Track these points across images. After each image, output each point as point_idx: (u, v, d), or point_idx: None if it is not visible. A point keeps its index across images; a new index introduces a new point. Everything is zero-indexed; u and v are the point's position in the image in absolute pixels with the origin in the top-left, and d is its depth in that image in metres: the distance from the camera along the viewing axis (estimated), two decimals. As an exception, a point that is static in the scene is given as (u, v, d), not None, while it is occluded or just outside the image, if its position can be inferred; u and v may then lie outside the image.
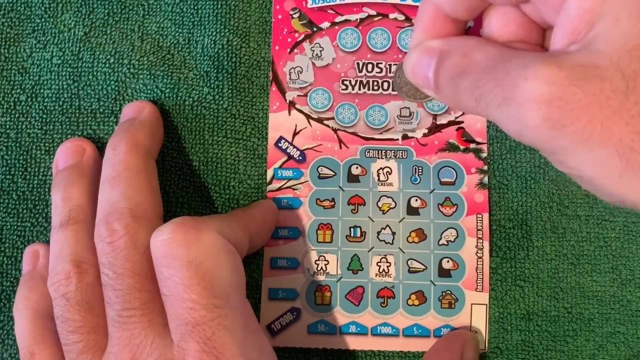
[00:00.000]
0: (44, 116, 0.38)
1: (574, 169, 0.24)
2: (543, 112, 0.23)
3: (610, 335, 0.37)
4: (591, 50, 0.23)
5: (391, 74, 0.38)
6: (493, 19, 0.29)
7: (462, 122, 0.38)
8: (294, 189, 0.37)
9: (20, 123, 0.38)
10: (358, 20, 0.38)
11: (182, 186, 0.38)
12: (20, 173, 0.38)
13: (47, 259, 0.36)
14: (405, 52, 0.38)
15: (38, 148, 0.38)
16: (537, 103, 0.23)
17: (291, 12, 0.38)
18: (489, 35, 0.30)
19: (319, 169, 0.37)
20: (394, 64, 0.38)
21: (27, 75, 0.39)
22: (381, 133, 0.38)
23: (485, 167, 0.37)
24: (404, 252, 0.37)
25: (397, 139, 0.38)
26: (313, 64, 0.38)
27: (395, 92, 0.38)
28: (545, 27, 0.29)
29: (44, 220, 0.38)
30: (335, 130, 0.38)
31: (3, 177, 0.38)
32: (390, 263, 0.37)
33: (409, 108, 0.38)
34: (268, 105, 0.38)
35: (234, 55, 0.38)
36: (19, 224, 0.38)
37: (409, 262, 0.37)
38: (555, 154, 0.24)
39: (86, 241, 0.33)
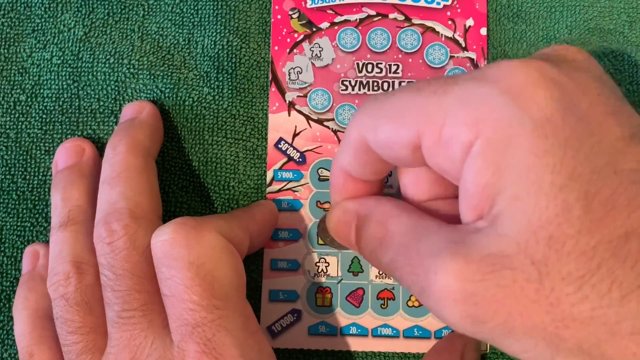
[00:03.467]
0: (44, 116, 0.38)
1: (509, 354, 0.23)
2: (459, 310, 0.22)
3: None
4: (498, 232, 0.22)
5: (391, 75, 0.38)
6: (406, 179, 0.29)
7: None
8: (295, 191, 0.37)
9: (20, 123, 0.38)
10: (357, 21, 0.38)
11: (182, 186, 0.38)
12: (20, 173, 0.38)
13: (46, 259, 0.35)
14: (406, 53, 0.38)
15: (38, 148, 0.38)
16: (453, 301, 0.22)
17: (290, 13, 0.38)
18: (404, 194, 0.30)
19: (319, 171, 0.37)
20: (394, 64, 0.38)
21: (27, 75, 0.39)
22: (381, 133, 0.38)
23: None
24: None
25: (397, 140, 0.38)
26: (312, 64, 0.38)
27: None
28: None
29: (44, 220, 0.38)
30: (335, 132, 0.38)
31: (3, 177, 0.38)
32: (390, 264, 0.37)
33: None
34: (268, 106, 0.38)
35: (233, 55, 0.38)
36: (18, 224, 0.38)
37: (410, 263, 0.37)
38: (486, 342, 0.24)
39: (86, 242, 0.33)
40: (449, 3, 0.38)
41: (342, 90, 0.38)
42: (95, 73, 0.39)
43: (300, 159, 0.38)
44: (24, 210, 0.38)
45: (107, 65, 0.39)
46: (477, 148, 0.23)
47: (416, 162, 0.26)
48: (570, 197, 0.22)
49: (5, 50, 0.39)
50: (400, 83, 0.38)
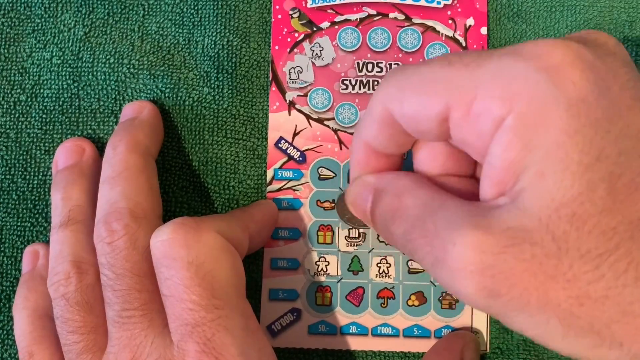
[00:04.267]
0: (44, 116, 0.38)
1: (517, 330, 0.24)
2: (476, 282, 0.22)
3: (610, 335, 0.36)
4: (519, 208, 0.23)
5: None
6: (422, 153, 0.29)
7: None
8: (295, 190, 0.37)
9: (20, 123, 0.38)
10: (358, 20, 0.38)
11: (182, 186, 0.38)
12: (20, 173, 0.38)
13: (47, 259, 0.36)
14: (406, 52, 0.38)
15: (38, 148, 0.38)
16: (469, 272, 0.22)
17: (291, 12, 0.38)
18: (418, 169, 0.30)
19: (319, 170, 0.37)
20: (395, 64, 0.38)
21: (27, 75, 0.39)
22: (381, 133, 0.38)
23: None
24: (404, 253, 0.37)
25: (398, 139, 0.38)
26: (313, 63, 0.38)
27: None
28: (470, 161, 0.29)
29: (44, 220, 0.38)
30: (335, 131, 0.38)
31: (3, 177, 0.38)
32: (390, 264, 0.37)
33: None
34: (268, 106, 0.38)
35: (234, 55, 0.38)
36: (18, 223, 0.38)
37: (409, 262, 0.37)
38: (499, 317, 0.24)
39: (86, 241, 0.33)
40: (449, 2, 0.38)
41: (342, 89, 0.38)
42: (95, 73, 0.39)
43: (301, 158, 0.38)
44: (24, 210, 0.38)
45: (107, 65, 0.39)
46: (508, 122, 0.23)
47: (441, 136, 0.26)
48: (596, 177, 0.22)
49: (5, 50, 0.39)
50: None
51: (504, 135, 0.23)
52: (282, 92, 0.38)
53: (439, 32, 0.38)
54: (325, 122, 0.38)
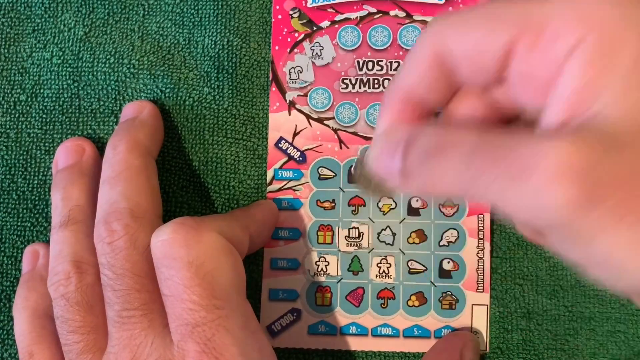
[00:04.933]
0: (44, 116, 0.38)
1: (602, 253, 0.22)
2: (571, 190, 0.21)
3: (610, 334, 0.37)
4: (605, 120, 0.22)
5: (392, 72, 0.38)
6: (459, 107, 0.28)
7: (463, 120, 0.37)
8: (295, 190, 0.37)
9: (20, 123, 0.38)
10: (358, 18, 0.38)
11: (182, 186, 0.38)
12: (20, 173, 0.38)
13: (47, 259, 0.36)
14: (407, 49, 0.38)
15: (38, 148, 0.38)
16: (565, 180, 0.21)
17: (291, 12, 0.38)
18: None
19: (319, 169, 0.37)
20: (395, 62, 0.38)
21: (27, 75, 0.39)
22: (382, 132, 0.38)
23: (487, 167, 0.37)
24: (404, 253, 0.37)
25: (398, 138, 0.37)
26: (313, 63, 0.38)
27: None
28: (514, 113, 0.28)
29: (44, 220, 0.38)
30: (335, 130, 0.38)
31: (3, 176, 0.38)
32: (390, 264, 0.37)
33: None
34: (268, 106, 0.38)
35: (234, 55, 0.38)
36: (19, 223, 0.38)
37: (410, 263, 0.37)
38: (580, 237, 0.22)
39: (86, 241, 0.33)
40: None
41: (342, 88, 0.38)
42: (95, 73, 0.39)
43: (301, 158, 0.38)
44: (24, 210, 0.38)
45: (107, 65, 0.39)
46: (586, 44, 0.23)
47: (497, 73, 0.25)
48: None
49: (6, 50, 0.39)
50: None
51: (582, 56, 0.23)
52: (282, 92, 0.38)
53: (439, 31, 0.38)
54: (325, 122, 0.38)
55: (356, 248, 0.37)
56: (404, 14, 0.38)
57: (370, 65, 0.38)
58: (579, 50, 0.23)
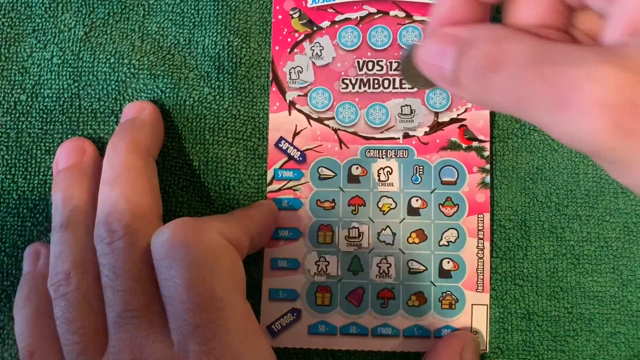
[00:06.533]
0: (44, 116, 0.38)
1: (636, 181, 0.22)
2: (613, 119, 0.21)
3: (610, 335, 0.37)
4: None
5: (392, 72, 0.38)
6: (519, 5, 0.27)
7: (465, 119, 0.37)
8: (295, 190, 0.37)
9: (20, 123, 0.38)
10: (358, 19, 0.38)
11: (182, 186, 0.38)
12: (21, 173, 0.38)
13: (47, 259, 0.36)
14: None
15: (38, 148, 0.38)
16: (605, 108, 0.21)
17: (291, 12, 0.38)
18: (510, 22, 0.27)
19: (320, 169, 0.37)
20: (395, 62, 0.38)
21: (28, 75, 0.39)
22: (382, 132, 0.38)
23: (488, 166, 0.37)
24: (404, 253, 0.37)
25: (398, 138, 0.38)
26: (313, 63, 0.38)
27: (399, 86, 0.38)
28: (575, 7, 0.27)
29: (45, 220, 0.38)
30: (335, 130, 0.38)
31: (3, 176, 0.38)
32: (390, 264, 0.37)
33: (410, 106, 0.38)
34: (268, 106, 0.38)
35: (234, 55, 0.38)
36: (19, 223, 0.38)
37: (410, 263, 0.37)
38: (620, 163, 0.22)
39: (86, 242, 0.33)
40: None
41: (342, 88, 0.38)
42: (95, 73, 0.39)
43: (301, 158, 0.38)
44: (25, 210, 0.38)
45: (107, 65, 0.39)
46: None
47: None
48: None
49: (6, 50, 0.39)
50: (401, 81, 0.38)
51: None
52: (283, 92, 0.38)
53: (439, 31, 0.38)
54: (325, 122, 0.38)
55: (356, 248, 0.37)
56: (404, 14, 0.38)
57: (370, 65, 0.38)
58: None
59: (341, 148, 0.38)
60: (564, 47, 0.23)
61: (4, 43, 0.39)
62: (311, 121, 0.38)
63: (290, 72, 0.38)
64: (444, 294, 0.37)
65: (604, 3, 0.24)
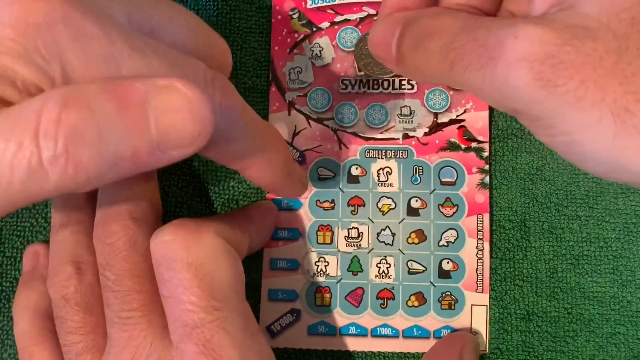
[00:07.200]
0: (44, 116, 0.38)
1: (564, 134, 0.24)
2: (535, 71, 0.23)
3: (610, 336, 0.36)
4: (579, 12, 0.23)
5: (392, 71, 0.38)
6: None
7: (464, 120, 0.37)
8: (294, 190, 0.37)
9: (19, 123, 0.38)
10: (357, 20, 0.38)
11: (182, 186, 0.38)
12: (20, 173, 0.38)
13: (46, 259, 0.36)
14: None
15: (38, 148, 0.38)
16: (529, 62, 0.23)
17: (290, 13, 0.38)
18: (444, 4, 0.29)
19: (319, 170, 0.37)
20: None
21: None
22: (381, 132, 0.38)
23: (487, 167, 0.37)
24: (403, 254, 0.37)
25: (398, 139, 0.38)
26: (312, 63, 0.38)
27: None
28: None
29: (44, 221, 0.38)
30: (335, 131, 0.38)
31: (3, 177, 0.38)
32: (390, 264, 0.37)
33: (409, 107, 0.38)
34: (268, 106, 0.38)
35: (234, 55, 0.38)
36: (18, 224, 0.38)
37: (409, 263, 0.37)
38: (544, 119, 0.24)
39: (86, 242, 0.33)
40: None
41: (341, 89, 0.38)
42: (95, 73, 0.38)
43: (300, 158, 0.38)
44: (24, 210, 0.38)
45: (106, 65, 0.38)
46: None
47: None
48: None
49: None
50: (400, 81, 0.38)
51: None
52: (282, 92, 0.38)
53: (439, 31, 0.38)
54: (325, 122, 0.38)
55: (356, 248, 0.37)
56: (404, 15, 0.38)
57: (370, 65, 0.38)
58: None
59: (340, 148, 0.38)
60: (494, 18, 0.26)
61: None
62: (311, 121, 0.38)
63: (289, 73, 0.38)
64: (443, 295, 0.37)
65: None
